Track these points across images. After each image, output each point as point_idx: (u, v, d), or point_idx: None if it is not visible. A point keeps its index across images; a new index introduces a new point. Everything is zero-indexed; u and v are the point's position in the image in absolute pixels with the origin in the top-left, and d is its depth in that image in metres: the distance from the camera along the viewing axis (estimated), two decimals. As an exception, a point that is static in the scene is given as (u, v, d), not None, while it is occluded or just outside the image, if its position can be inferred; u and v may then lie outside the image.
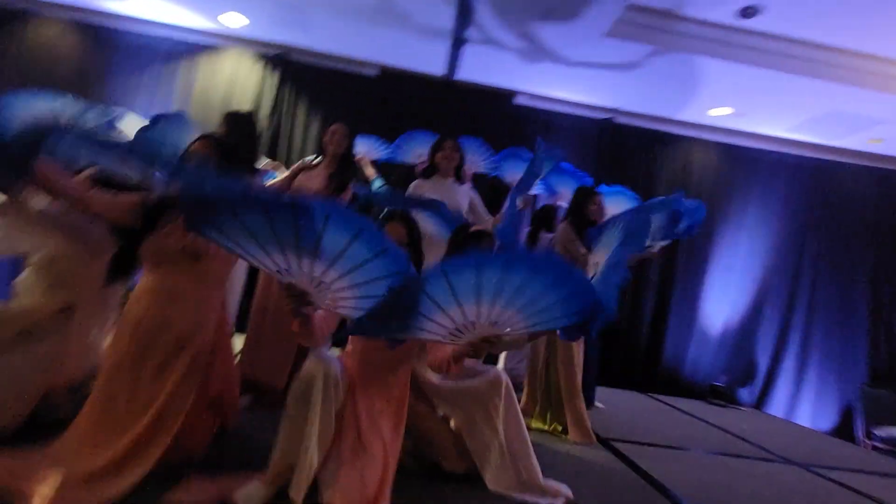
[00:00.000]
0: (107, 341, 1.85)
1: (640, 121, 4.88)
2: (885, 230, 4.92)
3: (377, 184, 3.23)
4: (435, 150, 2.71)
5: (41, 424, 1.63)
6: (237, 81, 4.41)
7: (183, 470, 1.40)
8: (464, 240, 1.89)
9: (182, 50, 4.36)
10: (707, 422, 3.49)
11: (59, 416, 1.75)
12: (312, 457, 1.31)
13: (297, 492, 1.29)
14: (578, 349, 2.51)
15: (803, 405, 4.71)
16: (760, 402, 4.75)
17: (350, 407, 1.48)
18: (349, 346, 1.68)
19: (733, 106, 4.46)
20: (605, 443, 2.44)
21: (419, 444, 1.70)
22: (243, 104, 4.33)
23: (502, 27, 3.75)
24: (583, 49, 3.90)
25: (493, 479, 1.58)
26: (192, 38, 4.38)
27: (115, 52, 4.29)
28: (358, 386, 1.53)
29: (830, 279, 4.86)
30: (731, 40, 3.67)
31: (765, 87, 4.03)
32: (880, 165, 4.96)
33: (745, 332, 4.80)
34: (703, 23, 3.62)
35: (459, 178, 2.78)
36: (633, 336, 4.65)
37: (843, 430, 4.52)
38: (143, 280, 1.64)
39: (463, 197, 2.68)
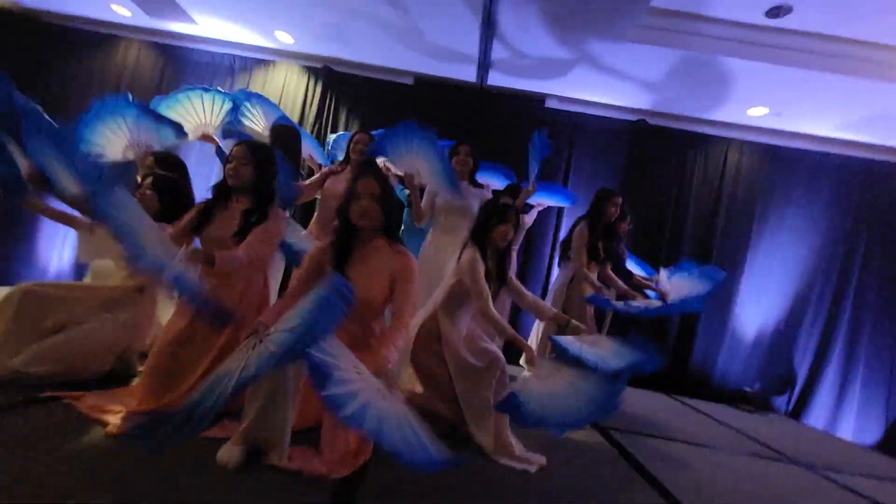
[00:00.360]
0: (166, 315, 2.25)
1: (674, 122, 4.86)
2: (945, 235, 4.60)
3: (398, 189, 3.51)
4: (451, 155, 2.92)
5: (117, 378, 2.04)
6: (288, 91, 4.87)
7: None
8: (492, 211, 2.13)
9: (241, 65, 4.88)
10: (720, 421, 3.49)
11: (131, 373, 2.18)
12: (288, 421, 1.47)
13: (281, 457, 1.45)
14: None
15: (845, 417, 4.51)
16: (798, 412, 4.59)
17: None
18: None
19: (768, 105, 4.37)
20: (601, 430, 2.58)
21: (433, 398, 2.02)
22: (293, 111, 4.79)
23: (525, 38, 3.92)
24: (608, 57, 3.99)
25: (479, 438, 1.87)
26: (249, 54, 4.89)
27: (187, 69, 4.88)
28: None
29: (879, 285, 4.61)
30: (758, 40, 3.64)
31: (799, 86, 3.94)
32: (940, 166, 4.65)
33: (782, 339, 4.66)
34: (730, 23, 3.62)
35: (474, 181, 2.98)
36: (661, 338, 4.64)
37: (890, 444, 4.29)
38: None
39: (476, 200, 2.86)
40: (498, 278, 2.16)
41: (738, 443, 2.96)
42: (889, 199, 4.68)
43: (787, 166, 4.78)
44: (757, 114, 4.54)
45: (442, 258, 2.58)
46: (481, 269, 2.02)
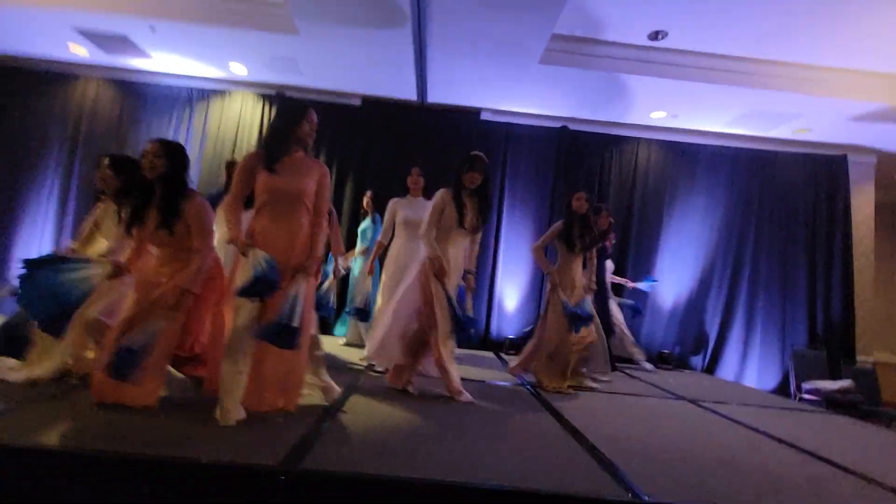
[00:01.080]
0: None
1: (591, 126, 5.58)
2: (819, 210, 5.50)
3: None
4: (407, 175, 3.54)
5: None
6: (244, 118, 5.29)
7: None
8: (461, 161, 2.73)
9: (198, 95, 5.26)
10: (634, 377, 4.19)
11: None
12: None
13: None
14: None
15: (749, 369, 5.32)
16: (712, 368, 5.38)
17: None
18: None
19: (665, 110, 5.13)
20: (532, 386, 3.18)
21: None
22: (250, 136, 5.22)
23: (454, 62, 4.51)
24: (525, 76, 4.63)
25: None
26: (206, 85, 5.28)
27: (146, 102, 5.22)
28: None
29: (769, 257, 5.45)
30: (646, 58, 4.37)
31: (685, 93, 4.71)
32: (811, 151, 5.54)
33: (693, 307, 5.44)
34: (621, 45, 4.34)
35: (427, 196, 3.46)
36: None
37: (784, 388, 5.12)
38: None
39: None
40: (476, 220, 2.71)
41: (647, 391, 3.63)
42: (775, 182, 5.54)
43: (688, 159, 5.58)
44: (658, 116, 5.31)
45: (407, 260, 3.15)
46: (439, 208, 2.63)
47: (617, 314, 4.58)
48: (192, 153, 5.24)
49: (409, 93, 5.30)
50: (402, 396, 2.57)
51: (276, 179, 2.02)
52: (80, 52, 4.98)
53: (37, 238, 5.09)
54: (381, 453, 1.66)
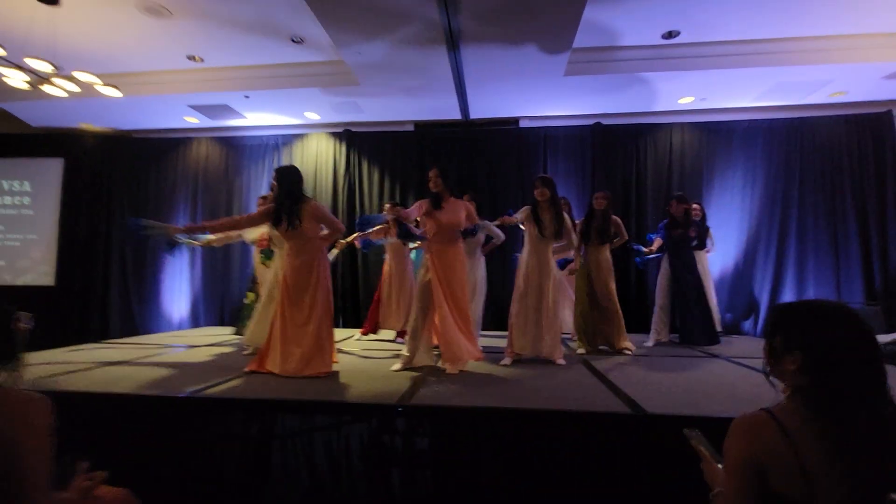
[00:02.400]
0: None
1: (623, 119, 6.03)
2: (865, 166, 5.57)
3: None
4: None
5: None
6: (320, 154, 6.35)
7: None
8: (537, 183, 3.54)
9: (282, 141, 6.39)
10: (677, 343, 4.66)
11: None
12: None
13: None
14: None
15: (805, 329, 5.52)
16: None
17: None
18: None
19: (692, 95, 5.49)
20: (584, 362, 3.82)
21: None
22: (326, 169, 6.26)
23: (488, 84, 5.21)
24: (553, 87, 5.23)
25: None
26: (287, 132, 6.40)
27: (244, 151, 6.43)
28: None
29: (818, 219, 5.61)
30: (664, 55, 4.81)
31: (709, 79, 5.05)
32: (851, 112, 5.61)
33: (741, 276, 5.73)
34: (638, 47, 4.81)
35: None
36: (644, 291, 5.79)
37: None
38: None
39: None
40: (552, 229, 3.43)
41: (686, 352, 4.13)
42: (813, 145, 5.68)
43: (722, 137, 5.87)
44: (686, 101, 5.66)
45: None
46: (521, 216, 3.52)
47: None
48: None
49: (453, 113, 6.07)
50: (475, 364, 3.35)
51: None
52: (192, 121, 6.27)
53: (177, 277, 6.45)
54: (461, 393, 2.45)
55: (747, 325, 5.68)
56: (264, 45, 4.80)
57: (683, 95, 5.52)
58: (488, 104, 5.84)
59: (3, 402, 0.96)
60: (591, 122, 6.06)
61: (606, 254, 4.16)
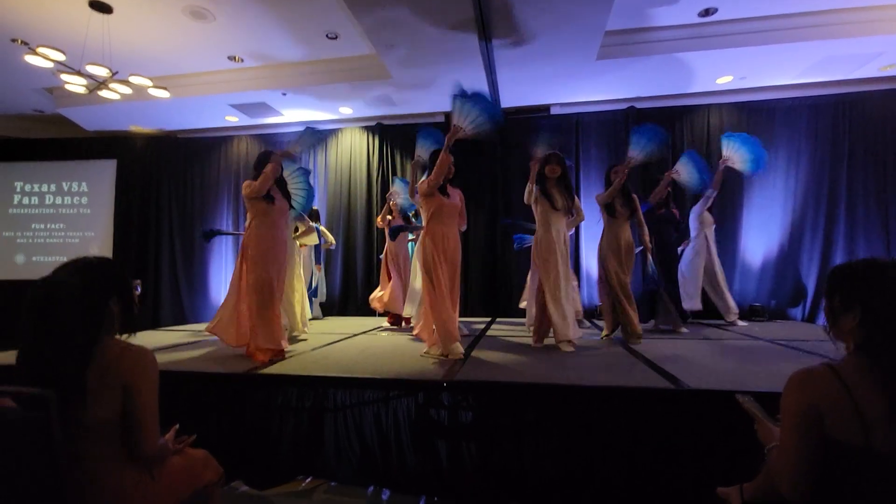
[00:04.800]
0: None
1: (658, 101, 5.90)
2: (921, 144, 5.28)
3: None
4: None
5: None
6: (354, 147, 6.50)
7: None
8: (543, 159, 3.59)
9: (319, 135, 6.58)
10: (713, 326, 4.58)
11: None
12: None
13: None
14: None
15: (854, 314, 5.31)
16: (813, 318, 5.45)
17: None
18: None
19: (731, 74, 5.32)
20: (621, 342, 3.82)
21: None
22: (360, 161, 6.41)
23: (520, 71, 5.21)
24: (584, 72, 5.17)
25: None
26: (322, 127, 6.58)
27: (280, 148, 6.63)
28: None
29: (867, 198, 5.36)
30: (701, 34, 4.69)
31: (748, 56, 4.89)
32: (903, 86, 5.32)
33: (787, 260, 5.54)
34: (674, 27, 4.70)
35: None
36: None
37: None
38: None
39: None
40: (562, 202, 3.44)
41: (724, 336, 4.06)
42: (862, 122, 5.42)
43: (764, 116, 5.67)
44: (724, 81, 5.49)
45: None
46: (529, 198, 3.57)
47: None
48: (319, 181, 6.59)
49: (484, 102, 6.08)
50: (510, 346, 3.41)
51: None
52: (232, 119, 6.53)
53: (223, 258, 6.77)
54: (498, 368, 2.52)
55: (796, 312, 5.49)
56: (300, 43, 4.97)
57: (721, 75, 5.36)
58: (519, 92, 5.83)
59: (125, 354, 1.12)
60: (624, 106, 5.97)
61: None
